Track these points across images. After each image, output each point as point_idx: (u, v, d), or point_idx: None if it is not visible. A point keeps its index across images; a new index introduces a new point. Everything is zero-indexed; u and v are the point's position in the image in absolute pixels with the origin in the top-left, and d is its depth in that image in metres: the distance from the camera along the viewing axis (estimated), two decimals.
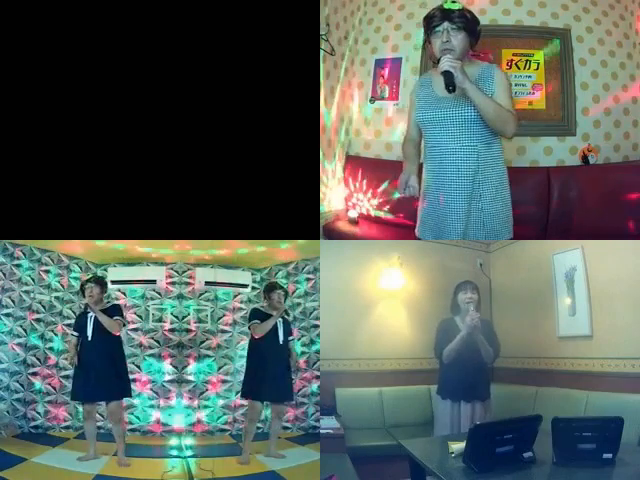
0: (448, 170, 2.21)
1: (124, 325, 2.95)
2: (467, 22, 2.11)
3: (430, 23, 2.14)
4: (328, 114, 3.72)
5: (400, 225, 3.69)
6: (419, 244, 3.68)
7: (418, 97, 2.32)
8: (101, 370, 2.75)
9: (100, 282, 2.91)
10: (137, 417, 3.70)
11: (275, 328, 2.94)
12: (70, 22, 2.36)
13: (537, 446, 1.84)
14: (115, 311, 2.87)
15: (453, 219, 2.25)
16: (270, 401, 3.04)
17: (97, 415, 2.99)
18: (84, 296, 2.88)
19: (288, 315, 3.22)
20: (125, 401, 3.14)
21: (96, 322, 2.78)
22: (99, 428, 3.16)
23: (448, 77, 2.04)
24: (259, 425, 3.43)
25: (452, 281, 2.85)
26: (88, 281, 2.89)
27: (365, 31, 4.00)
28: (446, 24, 2.09)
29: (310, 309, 3.90)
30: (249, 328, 2.98)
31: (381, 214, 3.80)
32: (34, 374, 3.54)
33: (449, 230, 2.27)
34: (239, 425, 3.78)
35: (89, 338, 2.78)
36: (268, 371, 2.89)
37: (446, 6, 2.11)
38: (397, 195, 3.60)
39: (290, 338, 3.03)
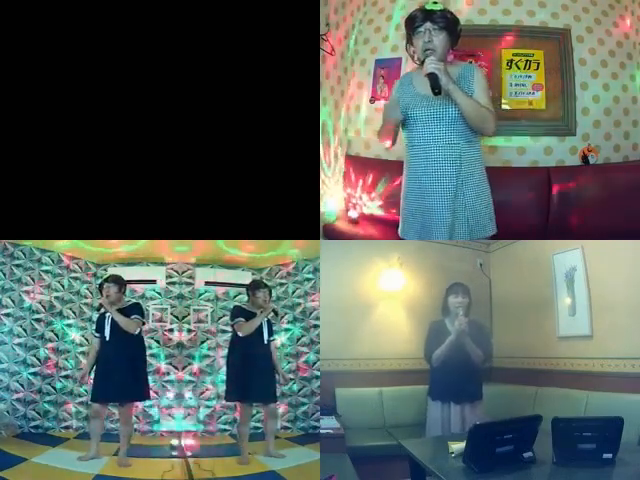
0: (431, 169, 2.22)
1: (143, 324, 2.87)
2: (448, 22, 2.17)
3: (412, 24, 2.20)
4: (328, 114, 3.72)
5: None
6: (419, 244, 3.67)
7: (400, 96, 2.33)
8: (116, 371, 2.72)
9: (118, 281, 2.86)
10: (137, 417, 3.70)
11: (260, 327, 2.91)
12: (69, 22, 2.36)
13: (537, 446, 1.84)
14: (133, 310, 2.82)
15: (438, 218, 2.26)
16: (259, 402, 3.02)
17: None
18: (102, 295, 2.83)
19: (277, 315, 3.21)
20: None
21: (113, 322, 2.75)
22: None
23: (433, 79, 2.08)
24: (258, 425, 3.43)
25: (452, 282, 2.85)
26: (106, 280, 2.86)
27: (365, 31, 3.99)
28: (428, 24, 2.15)
29: (310, 309, 3.90)
30: (232, 326, 2.94)
31: (381, 214, 3.80)
32: (34, 374, 3.54)
33: (434, 230, 2.28)
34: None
35: (107, 338, 2.76)
36: (255, 372, 2.86)
37: (428, 7, 2.17)
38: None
39: (272, 338, 3.01)
